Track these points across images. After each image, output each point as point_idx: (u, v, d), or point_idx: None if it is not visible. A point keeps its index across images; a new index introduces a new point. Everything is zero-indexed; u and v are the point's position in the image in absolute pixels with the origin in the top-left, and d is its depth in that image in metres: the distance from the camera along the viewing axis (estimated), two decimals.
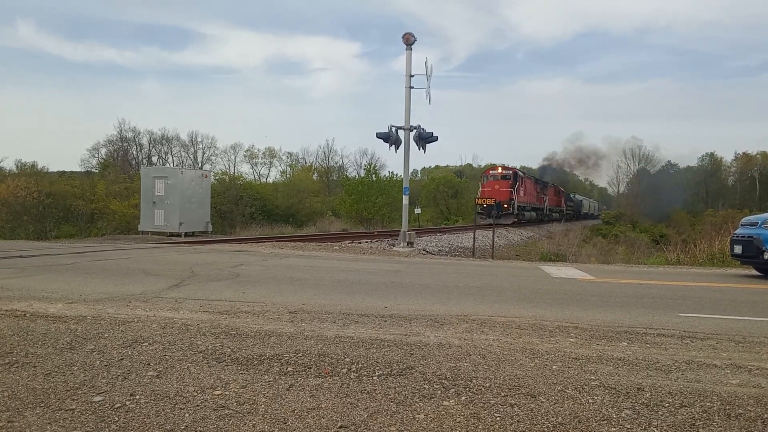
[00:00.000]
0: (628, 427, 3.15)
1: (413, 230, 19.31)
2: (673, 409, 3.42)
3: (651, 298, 7.88)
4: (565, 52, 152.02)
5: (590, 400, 3.53)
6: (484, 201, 30.29)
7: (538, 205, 52.30)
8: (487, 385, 3.76)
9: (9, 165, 48.14)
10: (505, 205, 39.20)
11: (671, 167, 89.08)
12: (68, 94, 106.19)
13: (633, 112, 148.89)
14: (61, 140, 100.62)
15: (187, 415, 3.18)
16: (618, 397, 3.61)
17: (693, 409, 3.42)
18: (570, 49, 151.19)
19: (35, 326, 4.96)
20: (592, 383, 3.85)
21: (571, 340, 5.11)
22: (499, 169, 45.03)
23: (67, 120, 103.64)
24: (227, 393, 3.52)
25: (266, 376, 3.83)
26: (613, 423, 3.20)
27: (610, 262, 19.07)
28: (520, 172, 46.60)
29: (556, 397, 3.57)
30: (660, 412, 3.37)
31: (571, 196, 76.54)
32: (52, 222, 26.70)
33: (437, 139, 17.83)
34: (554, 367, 4.20)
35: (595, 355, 4.57)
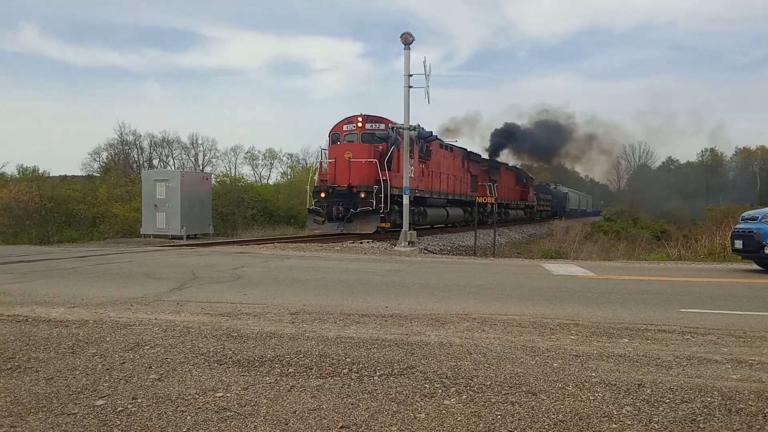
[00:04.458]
0: (629, 423, 3.16)
1: (414, 230, 19.31)
2: (674, 405, 3.42)
3: (652, 294, 7.88)
4: (568, 49, 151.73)
5: (591, 397, 3.54)
6: (322, 187, 20.95)
7: (467, 195, 30.83)
8: (488, 383, 3.77)
9: (11, 170, 48.28)
10: (363, 194, 20.22)
11: (672, 163, 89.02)
12: (70, 98, 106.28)
13: (636, 108, 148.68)
14: (62, 144, 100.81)
15: (188, 417, 3.19)
16: (619, 393, 3.61)
17: (694, 405, 3.43)
18: (573, 47, 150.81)
19: (37, 331, 4.98)
20: (593, 380, 3.85)
21: (572, 337, 5.11)
22: (360, 120, 22.32)
23: (68, 124, 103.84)
24: (229, 395, 3.53)
25: (267, 378, 3.84)
26: (614, 419, 3.21)
27: (611, 259, 19.07)
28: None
29: (557, 395, 3.58)
30: (661, 408, 3.37)
31: (550, 187, 60.22)
32: (54, 226, 26.76)
33: (436, 138, 17.84)
34: (555, 364, 4.21)
35: (595, 351, 4.58)
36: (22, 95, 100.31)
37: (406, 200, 18.10)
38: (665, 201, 63.93)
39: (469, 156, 31.96)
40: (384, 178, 20.42)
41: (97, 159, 60.32)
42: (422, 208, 24.56)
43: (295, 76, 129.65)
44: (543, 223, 50.42)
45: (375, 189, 20.24)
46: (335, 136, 22.97)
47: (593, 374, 3.98)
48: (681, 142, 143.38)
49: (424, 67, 16.96)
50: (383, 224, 20.87)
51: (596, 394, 3.59)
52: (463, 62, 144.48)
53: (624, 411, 3.33)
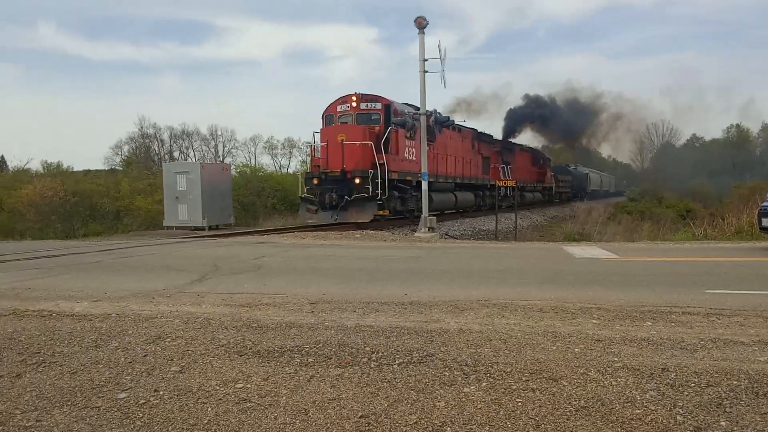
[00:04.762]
0: (653, 408, 3.11)
1: (434, 215, 19.23)
2: (698, 389, 3.36)
3: (676, 276, 7.75)
4: (587, 28, 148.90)
5: (613, 383, 3.49)
6: (315, 173, 19.65)
7: (478, 178, 29.48)
8: (508, 370, 3.74)
9: (35, 166, 49.07)
10: (359, 180, 18.69)
11: (696, 140, 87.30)
12: (89, 94, 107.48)
13: (656, 86, 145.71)
14: (84, 139, 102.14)
15: (210, 409, 3.22)
16: (642, 378, 3.56)
17: (719, 389, 3.36)
18: (592, 25, 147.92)
19: (61, 325, 5.06)
20: (616, 365, 3.80)
21: (594, 321, 5.05)
22: (354, 100, 20.46)
23: (89, 119, 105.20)
24: (249, 386, 3.55)
25: (287, 368, 3.86)
26: (638, 405, 3.16)
27: (635, 240, 18.82)
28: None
29: (579, 380, 3.53)
30: (685, 393, 3.31)
31: (569, 168, 57.46)
32: (79, 221, 27.15)
33: (453, 123, 17.68)
34: (576, 349, 4.16)
35: (618, 336, 4.51)
36: (43, 92, 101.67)
37: (425, 186, 18.02)
38: (690, 179, 62.69)
39: (480, 137, 30.10)
40: (381, 161, 18.89)
41: (119, 153, 61.16)
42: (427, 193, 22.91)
43: (310, 65, 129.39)
44: (565, 205, 49.67)
45: (371, 174, 18.74)
46: (329, 117, 21.21)
47: (616, 359, 3.92)
48: (711, 118, 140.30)
49: (439, 51, 16.75)
50: (381, 212, 19.40)
51: (619, 379, 3.54)
52: (480, 44, 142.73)
53: (648, 396, 3.27)
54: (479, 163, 29.75)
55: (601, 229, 25.81)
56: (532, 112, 44.76)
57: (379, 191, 18.76)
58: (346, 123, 20.50)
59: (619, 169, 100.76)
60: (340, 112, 20.85)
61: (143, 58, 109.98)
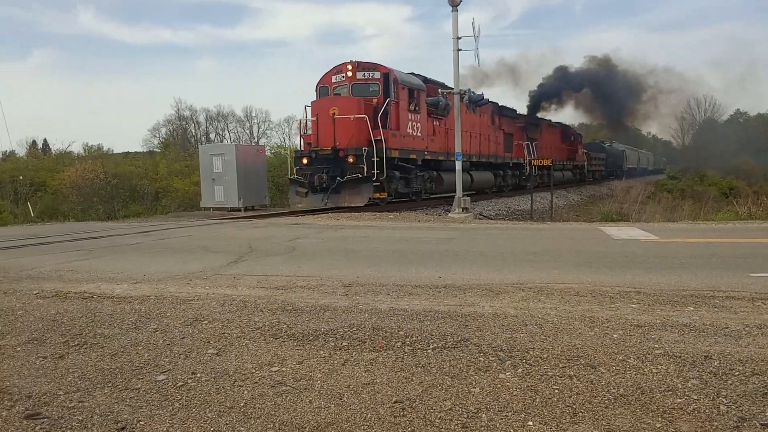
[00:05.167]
0: (695, 397, 3.02)
1: (468, 195, 19.06)
2: (743, 378, 3.25)
3: (719, 258, 7.52)
4: (626, 1, 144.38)
5: (654, 370, 3.41)
6: (305, 152, 18.02)
7: (499, 156, 27.34)
8: (545, 356, 3.68)
9: (77, 149, 50.31)
10: (352, 158, 17.09)
11: (740, 116, 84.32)
12: (128, 77, 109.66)
13: (701, 61, 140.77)
14: (123, 122, 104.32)
15: (246, 392, 3.25)
16: (684, 366, 3.46)
17: (765, 377, 3.25)
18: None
19: (102, 307, 5.18)
20: (656, 352, 3.71)
21: (633, 306, 4.93)
22: (350, 69, 18.58)
23: (128, 102, 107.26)
24: (284, 369, 3.58)
25: (321, 352, 3.87)
26: (679, 393, 3.08)
27: (675, 220, 18.35)
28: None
29: (618, 368, 3.46)
30: (729, 381, 3.21)
31: (604, 144, 54.85)
32: (119, 202, 27.79)
33: (488, 102, 17.41)
34: (615, 335, 4.07)
35: (658, 321, 4.40)
36: (83, 77, 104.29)
37: (458, 166, 17.84)
38: (734, 156, 60.67)
39: (501, 111, 27.63)
40: (378, 137, 17.05)
41: (157, 135, 62.30)
42: (435, 173, 21.12)
43: (344, 44, 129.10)
44: (602, 183, 48.50)
45: (365, 151, 16.88)
46: (323, 89, 19.14)
47: (656, 345, 3.83)
48: (764, 93, 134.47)
49: (473, 28, 16.45)
50: (379, 195, 17.81)
51: (660, 367, 3.45)
52: (515, 20, 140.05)
53: (690, 384, 3.19)
54: (500, 140, 27.51)
55: (640, 208, 25.23)
56: (558, 87, 40.76)
57: (376, 171, 17.01)
58: (340, 95, 18.55)
59: (658, 146, 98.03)
60: (335, 83, 18.92)
61: (179, 41, 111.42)
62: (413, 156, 19.30)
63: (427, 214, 17.88)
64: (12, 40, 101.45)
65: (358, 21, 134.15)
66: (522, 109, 36.34)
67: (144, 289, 5.94)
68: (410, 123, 19.17)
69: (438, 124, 21.08)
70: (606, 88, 42.66)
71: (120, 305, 5.24)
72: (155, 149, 55.58)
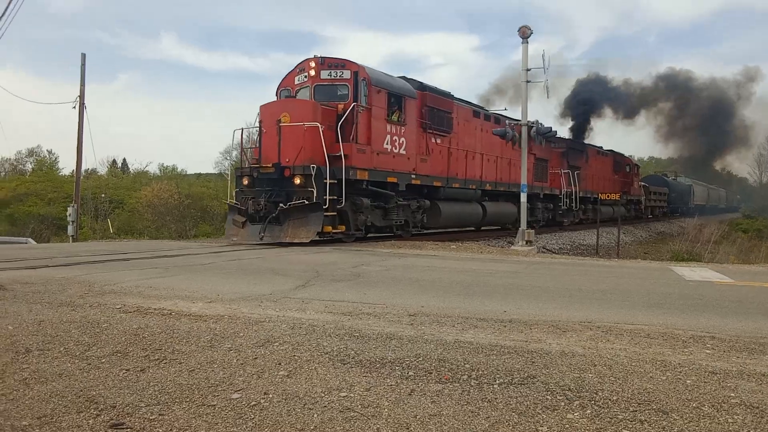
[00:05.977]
0: None
1: (532, 228, 18.82)
2: None
3: None
4: (703, 32, 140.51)
5: (729, 420, 3.31)
6: (246, 170, 14.72)
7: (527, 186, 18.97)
8: (614, 398, 3.63)
9: (153, 168, 52.85)
10: (299, 180, 13.70)
11: None
12: (203, 100, 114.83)
13: None
14: (197, 144, 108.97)
15: (315, 415, 3.36)
16: (762, 417, 3.34)
17: None
18: (707, 29, 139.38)
19: (179, 324, 5.45)
20: (732, 401, 3.59)
21: (707, 351, 4.78)
22: (313, 67, 14.98)
23: (202, 124, 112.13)
24: (352, 395, 3.67)
25: (388, 380, 3.95)
26: None
27: (751, 262, 17.50)
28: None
29: (691, 415, 3.37)
30: None
31: (666, 178, 51.50)
32: (191, 222, 28.96)
33: (556, 134, 17.26)
34: (688, 381, 3.97)
35: (735, 369, 4.25)
36: (161, 99, 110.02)
37: (523, 198, 17.71)
38: None
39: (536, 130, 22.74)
40: (337, 153, 13.68)
41: (228, 158, 64.50)
42: (427, 203, 17.44)
43: (412, 73, 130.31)
44: (669, 220, 46.47)
45: (315, 170, 13.45)
46: (285, 93, 15.69)
47: (732, 394, 3.71)
48: None
49: (543, 60, 16.46)
50: (330, 228, 14.12)
51: (736, 417, 3.35)
52: (585, 50, 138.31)
53: None
54: (529, 166, 22.07)
55: (713, 248, 24.19)
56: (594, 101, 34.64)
57: (329, 197, 13.50)
58: (295, 98, 15.15)
59: (732, 183, 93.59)
60: (297, 84, 15.51)
61: (255, 68, 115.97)
62: (392, 179, 15.71)
63: (489, 245, 17.76)
64: (100, 63, 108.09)
65: (425, 50, 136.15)
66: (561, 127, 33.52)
67: (218, 309, 6.20)
68: (389, 137, 15.58)
69: (438, 141, 17.62)
70: (694, 103, 37.43)
71: (196, 323, 5.49)
72: (226, 171, 57.61)
